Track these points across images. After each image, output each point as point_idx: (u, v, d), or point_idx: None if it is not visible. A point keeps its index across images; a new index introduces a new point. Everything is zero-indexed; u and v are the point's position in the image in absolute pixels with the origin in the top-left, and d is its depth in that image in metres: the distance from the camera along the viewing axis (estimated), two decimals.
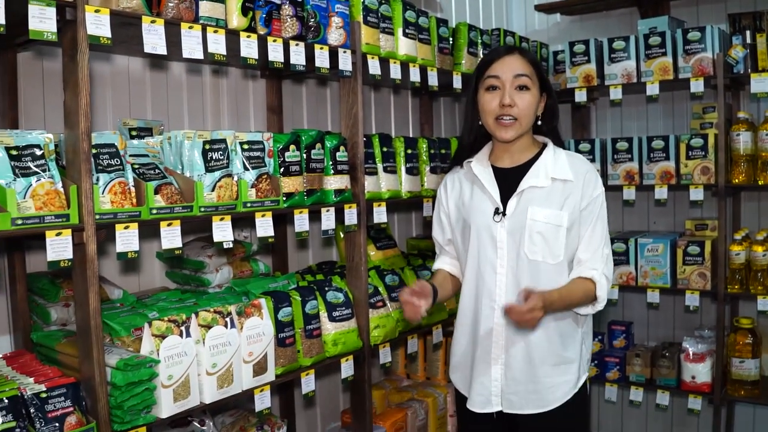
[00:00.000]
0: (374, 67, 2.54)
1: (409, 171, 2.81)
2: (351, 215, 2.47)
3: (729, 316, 3.33)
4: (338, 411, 3.25)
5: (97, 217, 1.73)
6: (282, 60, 2.18)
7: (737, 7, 3.48)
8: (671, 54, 3.27)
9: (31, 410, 1.65)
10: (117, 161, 1.82)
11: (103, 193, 1.77)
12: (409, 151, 2.82)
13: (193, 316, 2.00)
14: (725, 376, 3.26)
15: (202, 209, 1.97)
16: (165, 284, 2.56)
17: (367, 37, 2.51)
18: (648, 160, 3.38)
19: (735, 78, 3.18)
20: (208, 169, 2.00)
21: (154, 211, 1.86)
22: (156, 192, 1.88)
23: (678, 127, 3.76)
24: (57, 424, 1.67)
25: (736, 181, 3.18)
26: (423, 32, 2.83)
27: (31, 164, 1.66)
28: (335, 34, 2.39)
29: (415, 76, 2.76)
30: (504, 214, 2.00)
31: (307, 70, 2.30)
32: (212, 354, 2.00)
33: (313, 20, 2.31)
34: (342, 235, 2.86)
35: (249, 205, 2.09)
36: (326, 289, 2.47)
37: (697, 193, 3.22)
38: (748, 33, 3.13)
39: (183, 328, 1.95)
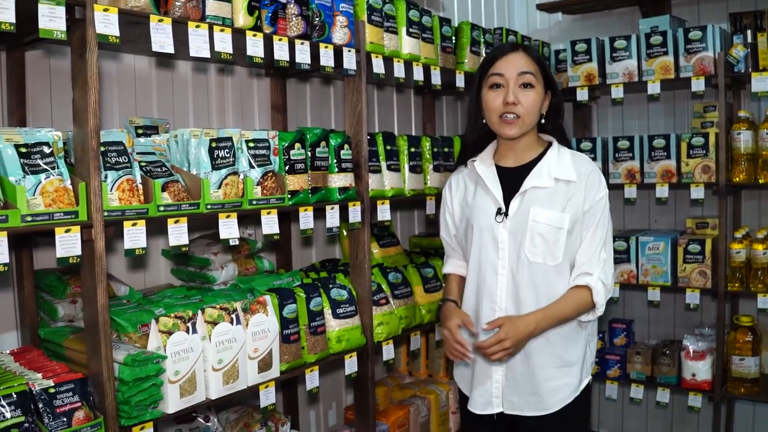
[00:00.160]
0: (378, 65, 2.56)
1: (412, 169, 2.83)
2: (355, 213, 2.49)
3: (729, 314, 3.35)
4: (341, 407, 3.27)
5: (106, 214, 1.75)
6: (287, 59, 2.20)
7: (738, 7, 3.49)
8: (672, 53, 3.28)
9: (40, 405, 1.67)
10: (125, 159, 1.84)
11: (111, 191, 1.78)
12: (413, 150, 2.83)
13: (200, 312, 2.01)
14: (725, 373, 3.28)
15: (209, 207, 1.98)
16: (170, 281, 2.57)
17: (371, 36, 2.53)
18: (649, 158, 3.40)
19: (736, 77, 3.19)
20: (215, 167, 2.01)
21: (162, 209, 1.88)
22: (163, 189, 1.89)
23: (679, 125, 3.77)
24: (65, 419, 1.68)
25: (737, 179, 3.20)
26: (426, 31, 2.84)
27: (40, 162, 1.67)
28: (340, 33, 2.41)
29: (418, 74, 2.77)
30: (506, 214, 1.99)
31: (312, 69, 2.32)
32: (218, 350, 2.01)
33: (318, 19, 2.32)
34: (345, 233, 2.88)
35: (255, 202, 2.11)
36: (330, 286, 2.49)
37: (697, 192, 3.23)
38: (749, 32, 3.14)
39: (189, 325, 1.96)
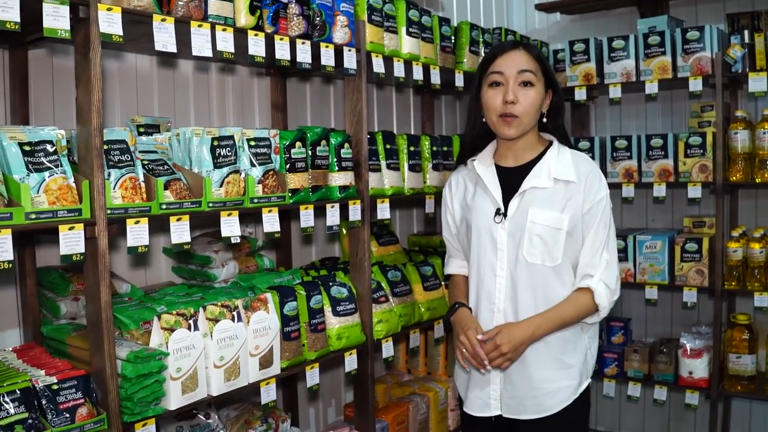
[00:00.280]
0: (378, 65, 2.57)
1: (411, 168, 2.84)
2: (355, 211, 2.51)
3: (726, 313, 3.38)
4: (341, 405, 3.29)
5: (109, 211, 1.76)
6: (288, 58, 2.21)
7: (736, 7, 3.51)
8: (670, 53, 3.30)
9: (43, 402, 1.68)
10: (128, 157, 1.85)
11: (114, 189, 1.79)
12: (412, 149, 2.85)
13: (201, 310, 2.03)
14: (722, 371, 3.30)
15: (211, 205, 2.00)
16: (171, 279, 2.59)
17: (371, 36, 2.54)
18: (647, 158, 3.41)
19: (733, 77, 3.22)
20: (217, 166, 2.03)
21: (164, 207, 1.89)
22: (165, 187, 1.91)
23: (676, 125, 3.79)
24: (68, 415, 1.70)
25: (734, 179, 3.22)
26: (426, 31, 2.86)
27: (44, 159, 1.69)
28: (340, 33, 2.42)
29: (418, 74, 2.78)
30: (505, 215, 1.97)
31: (312, 68, 2.33)
32: (220, 347, 2.03)
33: (318, 19, 2.33)
34: (345, 232, 2.90)
35: (256, 200, 2.12)
36: (330, 284, 2.50)
37: (695, 191, 3.25)
38: (746, 32, 3.16)
39: (191, 322, 1.98)
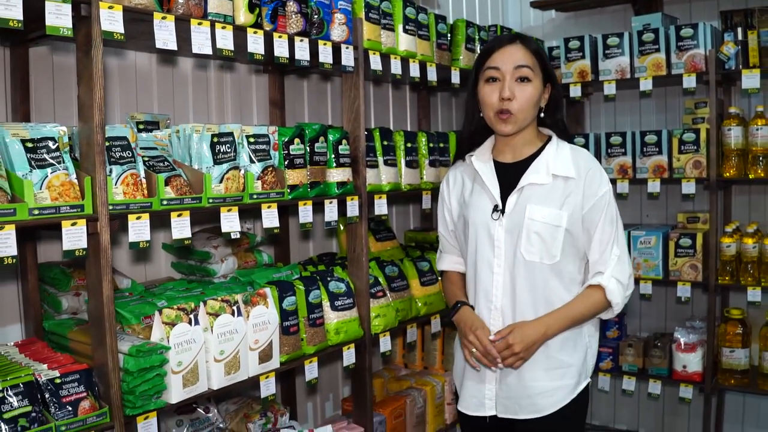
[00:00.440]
0: (375, 62, 2.59)
1: (408, 164, 2.87)
2: (353, 207, 2.53)
3: (720, 307, 3.40)
4: (339, 398, 3.32)
5: (111, 207, 1.78)
6: (287, 55, 2.23)
7: (729, 5, 3.54)
8: (664, 50, 3.32)
9: (46, 395, 1.70)
10: (129, 154, 1.87)
11: (116, 185, 1.82)
12: (409, 145, 2.87)
13: (202, 304, 2.05)
14: (716, 365, 3.33)
15: (211, 200, 2.02)
16: (170, 275, 2.61)
17: (368, 33, 2.56)
18: (641, 154, 3.44)
19: (726, 74, 3.24)
20: (216, 162, 2.05)
21: (165, 202, 1.91)
22: (166, 184, 1.93)
23: (671, 121, 3.82)
24: (71, 409, 1.72)
25: (727, 174, 3.25)
26: (422, 28, 2.88)
27: (46, 156, 1.71)
28: (338, 30, 2.44)
29: (414, 71, 2.81)
30: (503, 211, 1.94)
31: (311, 66, 2.35)
32: (220, 341, 2.05)
33: (316, 16, 2.35)
34: (342, 227, 2.92)
35: (255, 196, 2.14)
36: (329, 279, 2.52)
37: (689, 187, 3.28)
38: (739, 30, 3.18)
39: (192, 316, 2.00)
